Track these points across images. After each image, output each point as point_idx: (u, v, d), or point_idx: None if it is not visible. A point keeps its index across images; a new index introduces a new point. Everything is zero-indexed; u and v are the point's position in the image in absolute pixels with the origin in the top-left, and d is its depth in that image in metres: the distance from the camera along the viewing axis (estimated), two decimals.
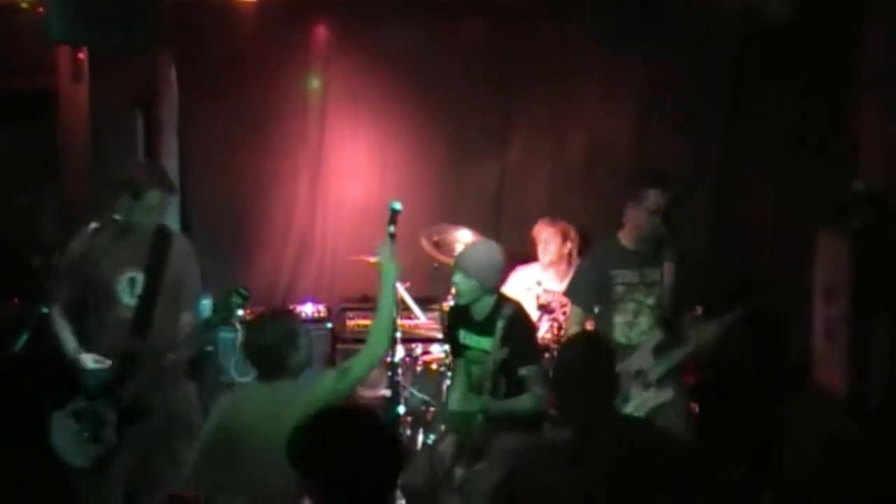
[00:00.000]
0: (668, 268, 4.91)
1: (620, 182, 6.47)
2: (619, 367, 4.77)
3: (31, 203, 7.04)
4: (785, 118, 6.29)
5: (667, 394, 4.87)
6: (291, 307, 6.38)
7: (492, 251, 4.90)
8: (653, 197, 4.81)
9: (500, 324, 4.74)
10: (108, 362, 4.62)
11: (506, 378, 4.79)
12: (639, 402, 4.84)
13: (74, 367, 4.64)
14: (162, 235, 4.83)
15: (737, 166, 6.53)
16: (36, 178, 6.98)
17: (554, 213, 6.32)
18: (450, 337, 5.17)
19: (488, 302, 4.85)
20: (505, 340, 4.73)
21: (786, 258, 6.12)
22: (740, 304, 4.83)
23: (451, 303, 5.16)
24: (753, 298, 4.86)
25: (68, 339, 4.67)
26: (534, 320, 5.12)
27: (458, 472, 4.77)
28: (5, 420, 5.54)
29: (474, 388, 4.89)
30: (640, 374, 4.87)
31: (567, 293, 5.24)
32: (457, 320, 5.04)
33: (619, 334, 4.94)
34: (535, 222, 6.31)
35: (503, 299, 4.89)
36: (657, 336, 4.90)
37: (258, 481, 3.90)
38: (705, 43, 6.38)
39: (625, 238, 4.97)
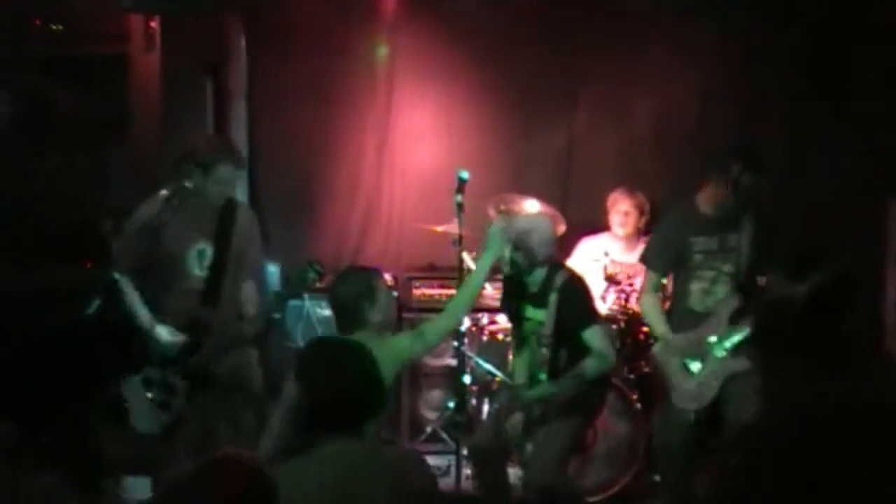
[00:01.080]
0: (747, 235, 4.85)
1: (687, 149, 6.42)
2: (694, 334, 4.81)
3: (103, 168, 7.14)
4: (855, 86, 6.12)
5: (741, 363, 4.79)
6: None
7: (537, 223, 4.89)
8: (740, 171, 4.76)
9: (552, 296, 4.72)
10: (182, 336, 4.68)
11: (567, 349, 4.76)
12: (712, 371, 4.77)
13: (148, 337, 4.71)
14: (228, 207, 4.85)
15: (804, 133, 6.39)
16: (107, 143, 7.07)
17: (622, 182, 6.25)
18: (506, 307, 5.15)
19: (541, 273, 4.82)
20: (560, 310, 4.72)
21: (855, 226, 5.99)
22: (820, 271, 4.71)
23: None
24: (833, 265, 4.73)
25: (142, 311, 4.73)
26: (590, 287, 5.05)
27: (529, 446, 4.76)
28: (76, 385, 5.63)
29: (536, 361, 4.86)
30: (714, 342, 4.81)
31: (643, 259, 5.16)
32: (512, 291, 5.02)
33: (695, 302, 4.90)
34: (603, 191, 6.25)
35: (555, 269, 4.85)
36: (733, 304, 4.82)
37: None
38: (776, 9, 6.25)
39: (704, 204, 4.90)
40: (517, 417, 4.85)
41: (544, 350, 4.77)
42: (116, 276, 4.67)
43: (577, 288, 4.86)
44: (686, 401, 4.80)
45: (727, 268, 4.86)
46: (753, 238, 4.86)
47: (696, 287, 4.90)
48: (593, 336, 4.73)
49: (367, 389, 3.26)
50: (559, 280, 4.78)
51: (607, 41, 6.59)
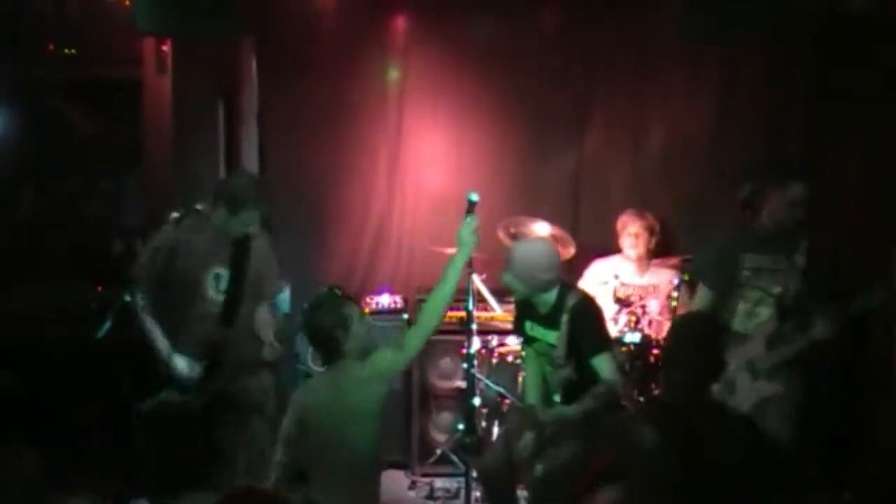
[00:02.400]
0: (800, 257, 4.81)
1: (699, 172, 6.43)
2: (732, 355, 4.60)
3: (115, 191, 7.18)
4: (870, 105, 6.11)
5: (774, 388, 4.75)
6: (367, 297, 6.43)
7: (535, 250, 4.84)
8: (797, 190, 4.77)
9: (564, 317, 4.70)
10: (199, 368, 4.69)
11: (581, 371, 4.74)
12: (745, 394, 4.73)
13: (153, 346, 4.72)
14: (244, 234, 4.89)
15: (820, 155, 6.38)
16: (119, 166, 7.11)
17: (633, 205, 6.24)
18: (518, 328, 5.14)
19: (551, 295, 4.81)
20: (572, 333, 4.70)
21: (871, 248, 5.95)
22: (855, 299, 4.69)
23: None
24: (871, 293, 4.69)
25: (160, 339, 4.74)
26: (603, 311, 5.01)
27: (539, 467, 4.75)
28: (89, 408, 5.65)
29: (551, 382, 4.85)
30: (750, 364, 4.76)
31: (697, 273, 5.08)
32: (523, 312, 5.01)
33: (739, 323, 4.83)
34: (614, 214, 6.23)
35: (566, 290, 4.83)
36: (772, 326, 4.78)
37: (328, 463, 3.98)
38: (788, 30, 6.26)
39: (758, 223, 4.86)
40: (528, 438, 4.83)
41: (558, 372, 4.76)
42: (129, 298, 4.68)
43: (588, 311, 4.82)
44: None
45: (774, 289, 4.81)
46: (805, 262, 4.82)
47: (741, 308, 4.83)
48: (601, 364, 4.69)
49: None
50: (570, 301, 4.75)
51: (618, 64, 6.62)
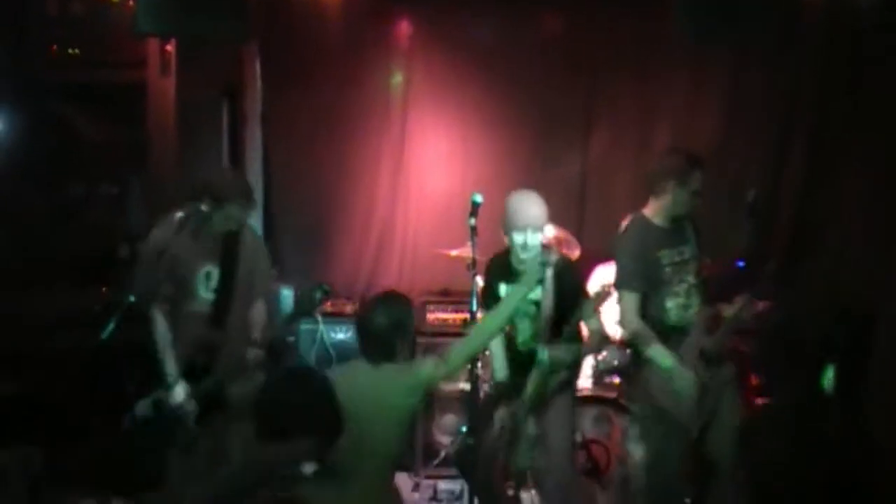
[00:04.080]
0: (695, 242, 4.87)
1: (705, 174, 6.41)
2: (684, 348, 4.76)
3: (120, 194, 7.18)
4: (876, 112, 6.11)
5: (728, 370, 4.82)
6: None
7: (537, 197, 4.89)
8: (698, 178, 4.77)
9: (548, 272, 4.66)
10: (195, 408, 4.67)
11: (566, 325, 4.80)
12: (709, 383, 4.74)
13: (160, 367, 4.72)
14: (233, 230, 4.87)
15: (825, 162, 6.38)
16: (124, 168, 7.11)
17: (638, 208, 6.22)
18: (488, 293, 5.05)
19: (533, 251, 4.81)
20: (560, 286, 4.73)
21: (875, 253, 5.95)
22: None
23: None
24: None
25: (171, 364, 4.71)
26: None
27: (530, 428, 4.83)
28: (90, 408, 5.65)
29: (536, 338, 4.84)
30: (703, 353, 4.77)
31: (618, 283, 4.88)
32: (497, 274, 4.99)
33: (675, 318, 4.81)
34: (619, 216, 6.19)
35: (545, 247, 4.80)
36: (709, 311, 4.81)
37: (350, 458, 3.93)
38: (794, 36, 6.26)
39: (657, 217, 4.85)
40: (502, 414, 4.90)
41: (538, 327, 4.79)
42: (132, 299, 4.67)
43: (572, 264, 4.95)
44: (687, 417, 4.76)
45: (691, 279, 4.83)
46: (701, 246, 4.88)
47: (672, 303, 4.81)
48: (588, 310, 4.79)
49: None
50: (553, 257, 4.66)
51: (623, 67, 6.63)
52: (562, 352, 4.78)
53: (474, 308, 5.29)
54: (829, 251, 6.27)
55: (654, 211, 4.86)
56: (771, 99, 6.50)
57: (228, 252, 4.82)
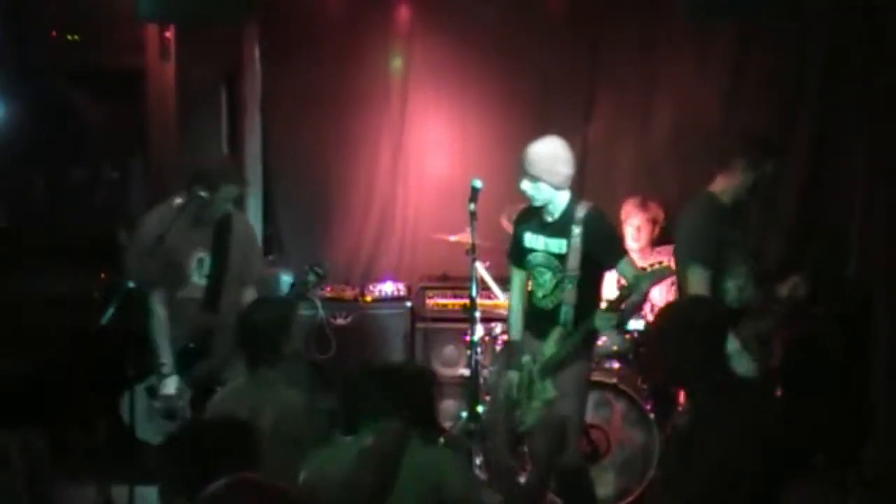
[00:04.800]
0: (751, 227, 4.89)
1: (706, 157, 6.37)
2: (741, 329, 4.59)
3: (118, 178, 7.18)
4: (881, 90, 6.08)
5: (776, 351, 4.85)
6: (370, 285, 6.44)
7: (553, 145, 4.73)
8: (770, 165, 4.74)
9: (575, 226, 4.60)
10: (186, 398, 4.68)
11: (591, 284, 4.71)
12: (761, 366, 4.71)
13: (155, 355, 4.73)
14: (224, 215, 4.87)
15: (829, 138, 6.35)
16: (123, 154, 7.11)
17: (638, 190, 6.21)
18: (514, 244, 4.96)
19: (563, 199, 4.71)
20: (587, 241, 4.61)
21: (878, 234, 5.93)
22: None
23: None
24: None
25: (166, 354, 4.74)
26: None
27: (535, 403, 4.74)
28: (91, 391, 5.67)
29: (543, 297, 4.78)
30: (759, 335, 4.73)
31: (688, 260, 4.67)
32: (523, 222, 4.89)
33: (731, 299, 4.70)
34: (619, 201, 6.20)
35: (575, 198, 4.74)
36: (761, 295, 4.77)
37: None
38: (798, 10, 6.21)
39: (724, 196, 4.76)
40: (512, 377, 4.82)
41: (569, 286, 4.65)
42: (131, 284, 4.67)
43: (604, 218, 4.77)
44: None
45: (751, 261, 4.77)
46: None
47: (732, 284, 4.70)
48: (627, 267, 4.68)
49: None
50: (582, 209, 4.63)
51: (624, 50, 6.59)
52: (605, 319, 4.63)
53: (474, 294, 5.32)
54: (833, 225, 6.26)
55: (721, 189, 4.77)
56: (774, 69, 6.44)
57: (220, 239, 4.83)
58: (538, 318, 4.83)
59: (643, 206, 6.07)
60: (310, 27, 6.60)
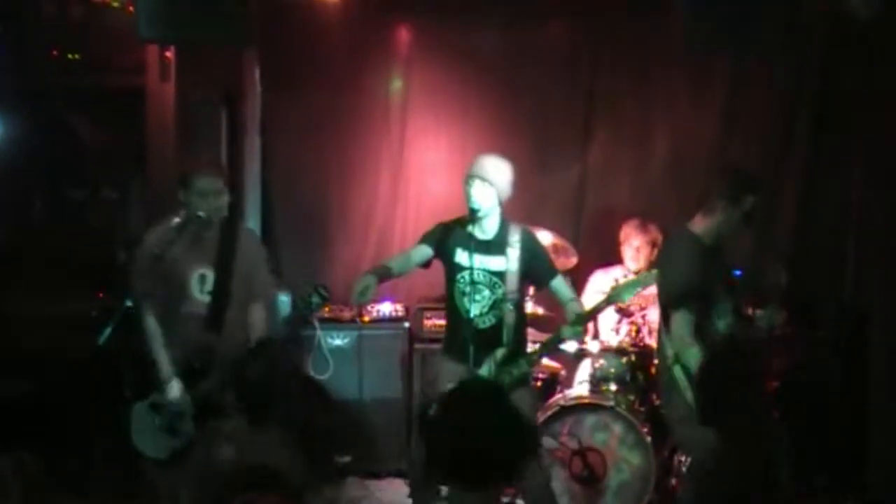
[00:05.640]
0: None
1: (704, 180, 6.40)
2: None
3: (118, 199, 7.19)
4: (875, 120, 6.11)
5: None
6: (368, 305, 6.43)
7: (505, 162, 4.91)
8: (751, 201, 4.72)
9: (512, 245, 4.77)
10: (190, 403, 4.68)
11: (517, 301, 4.86)
12: None
13: (154, 366, 4.72)
14: (229, 231, 4.86)
15: (824, 168, 6.38)
16: (122, 175, 7.12)
17: (636, 215, 6.23)
18: (442, 253, 4.97)
19: (496, 219, 4.84)
20: (525, 260, 4.79)
21: (873, 258, 5.95)
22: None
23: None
24: None
25: (164, 361, 4.73)
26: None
27: None
28: (89, 411, 5.66)
29: (480, 314, 4.82)
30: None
31: (673, 303, 4.67)
32: (451, 238, 4.93)
33: (720, 334, 4.71)
34: (617, 224, 6.23)
35: (507, 221, 4.89)
36: (745, 325, 4.85)
37: None
38: (794, 41, 6.27)
39: (705, 236, 4.76)
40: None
41: (509, 306, 4.81)
42: (129, 304, 4.67)
43: (537, 239, 5.00)
44: None
45: (732, 297, 4.78)
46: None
47: (722, 323, 4.71)
48: (562, 285, 4.88)
49: None
50: (517, 230, 4.81)
51: (623, 76, 6.64)
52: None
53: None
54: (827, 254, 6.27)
55: (702, 229, 4.77)
56: (771, 99, 6.49)
57: (224, 255, 4.82)
58: (471, 338, 4.76)
59: (643, 227, 6.09)
60: (311, 51, 6.64)
